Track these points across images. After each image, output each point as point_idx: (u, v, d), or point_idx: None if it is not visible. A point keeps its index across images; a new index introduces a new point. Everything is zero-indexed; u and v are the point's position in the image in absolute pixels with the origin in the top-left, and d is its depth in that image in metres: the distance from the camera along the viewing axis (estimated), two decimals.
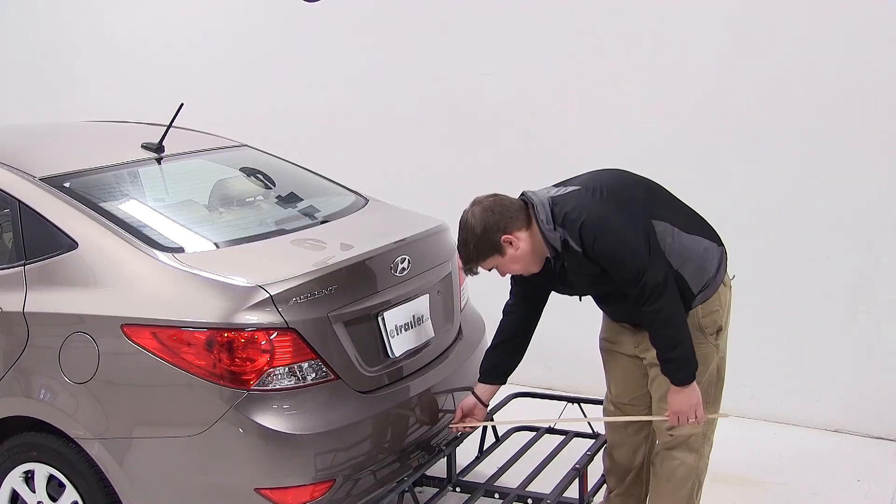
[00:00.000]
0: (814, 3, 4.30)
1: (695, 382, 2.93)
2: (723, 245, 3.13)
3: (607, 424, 3.41)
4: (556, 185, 3.09)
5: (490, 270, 3.05)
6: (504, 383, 3.39)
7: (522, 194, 3.05)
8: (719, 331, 3.07)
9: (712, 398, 3.14)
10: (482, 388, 3.36)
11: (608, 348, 3.31)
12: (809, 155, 4.40)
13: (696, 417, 2.95)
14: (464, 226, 2.99)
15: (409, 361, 3.32)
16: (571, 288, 3.11)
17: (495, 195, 3.01)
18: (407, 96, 5.38)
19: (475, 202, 3.01)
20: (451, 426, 3.38)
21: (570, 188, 2.99)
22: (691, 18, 4.56)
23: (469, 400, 3.37)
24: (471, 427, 3.38)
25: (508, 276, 3.15)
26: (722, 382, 3.18)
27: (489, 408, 3.56)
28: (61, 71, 6.71)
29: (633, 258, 2.85)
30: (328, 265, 3.06)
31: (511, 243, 2.95)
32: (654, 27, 4.66)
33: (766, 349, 4.60)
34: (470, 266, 3.04)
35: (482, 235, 2.94)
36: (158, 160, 3.65)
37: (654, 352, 2.96)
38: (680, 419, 2.97)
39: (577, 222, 2.88)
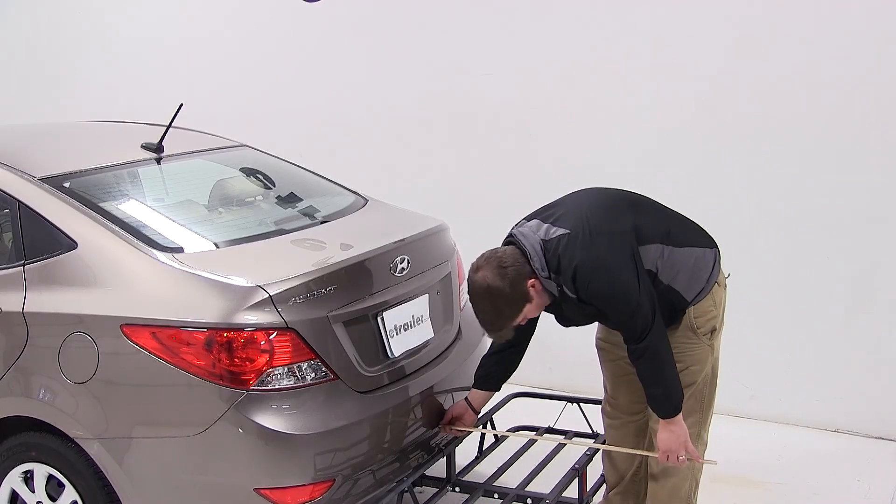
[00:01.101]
0: (814, 3, 4.30)
1: (680, 417, 2.94)
2: (715, 245, 3.12)
3: (605, 423, 3.41)
4: (542, 217, 3.01)
5: (516, 325, 2.99)
6: (498, 390, 3.40)
7: (510, 235, 3.00)
8: (713, 331, 3.07)
9: (707, 398, 3.14)
10: (475, 395, 3.37)
11: (603, 347, 3.32)
12: (809, 155, 4.40)
13: (685, 454, 2.96)
14: (486, 292, 2.89)
15: (408, 361, 3.31)
16: (570, 322, 3.12)
17: (493, 252, 2.94)
18: (407, 96, 5.38)
19: (478, 268, 2.92)
20: (439, 427, 3.38)
21: (559, 230, 2.92)
22: (691, 18, 4.56)
23: (460, 406, 3.37)
24: (459, 431, 3.38)
25: None
26: (715, 381, 3.18)
27: (488, 409, 3.56)
28: (61, 71, 6.71)
29: (625, 299, 2.86)
30: (328, 265, 3.06)
31: (534, 286, 2.92)
32: (655, 27, 4.66)
33: (766, 349, 4.60)
34: (506, 329, 2.97)
35: (512, 291, 2.88)
36: (158, 160, 3.65)
37: None
38: (669, 458, 2.98)
39: (570, 269, 2.87)
